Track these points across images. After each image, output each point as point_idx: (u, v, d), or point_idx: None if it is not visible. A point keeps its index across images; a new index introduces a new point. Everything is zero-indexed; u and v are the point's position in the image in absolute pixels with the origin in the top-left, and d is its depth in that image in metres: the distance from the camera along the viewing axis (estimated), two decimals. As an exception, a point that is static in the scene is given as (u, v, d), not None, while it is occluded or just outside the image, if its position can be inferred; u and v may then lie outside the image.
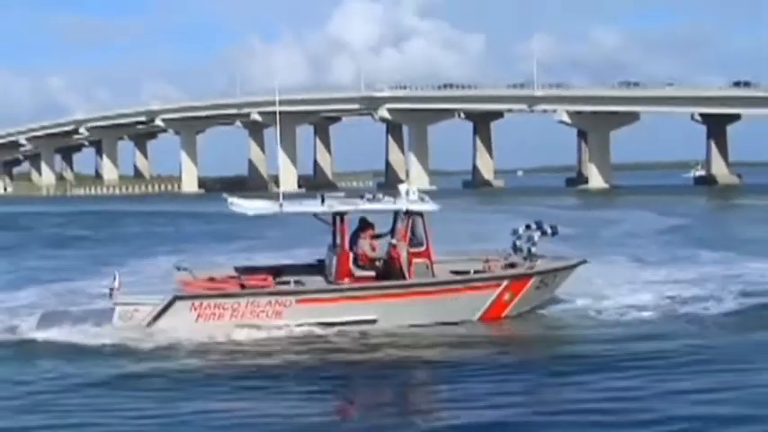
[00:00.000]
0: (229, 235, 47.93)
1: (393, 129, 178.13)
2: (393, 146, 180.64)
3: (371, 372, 17.56)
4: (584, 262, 23.69)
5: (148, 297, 20.95)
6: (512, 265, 22.79)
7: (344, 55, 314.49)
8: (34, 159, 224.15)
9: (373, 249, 21.84)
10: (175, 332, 19.74)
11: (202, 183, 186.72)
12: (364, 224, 22.08)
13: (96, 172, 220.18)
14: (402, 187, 22.41)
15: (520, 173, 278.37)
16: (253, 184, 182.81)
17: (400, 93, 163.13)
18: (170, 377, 16.83)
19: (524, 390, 15.63)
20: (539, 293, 22.65)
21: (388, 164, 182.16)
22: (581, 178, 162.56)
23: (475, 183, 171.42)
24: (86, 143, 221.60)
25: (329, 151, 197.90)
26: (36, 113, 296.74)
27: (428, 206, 21.97)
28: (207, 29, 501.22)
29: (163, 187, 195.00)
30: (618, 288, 24.97)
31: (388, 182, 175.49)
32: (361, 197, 22.54)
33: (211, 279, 21.83)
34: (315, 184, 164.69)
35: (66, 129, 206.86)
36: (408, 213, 21.65)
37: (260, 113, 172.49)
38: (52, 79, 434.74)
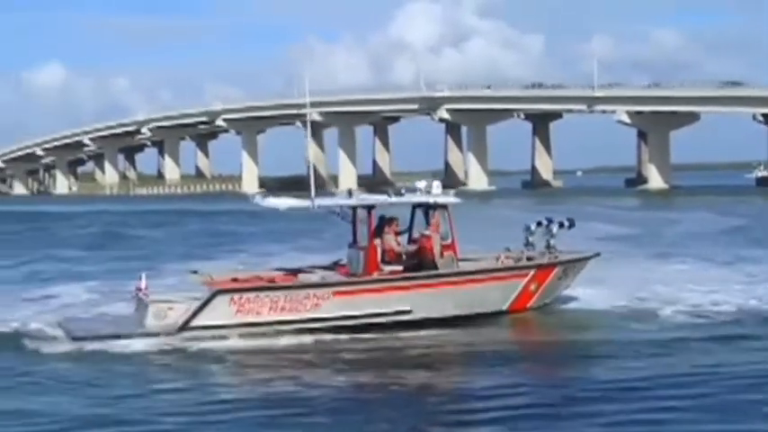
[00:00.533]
0: (285, 234, 48.52)
1: (452, 129, 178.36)
2: (452, 146, 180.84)
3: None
4: (598, 255, 24.26)
5: (178, 295, 21.27)
6: (528, 260, 23.23)
7: (404, 55, 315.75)
8: (98, 159, 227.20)
9: (398, 244, 22.25)
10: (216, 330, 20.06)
11: (263, 182, 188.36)
12: (388, 219, 22.38)
13: (159, 171, 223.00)
14: (420, 183, 22.81)
15: (579, 173, 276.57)
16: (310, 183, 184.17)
17: (459, 93, 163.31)
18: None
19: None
20: (559, 284, 23.30)
21: (447, 164, 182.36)
22: (640, 179, 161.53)
23: (534, 183, 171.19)
24: (149, 143, 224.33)
25: (388, 151, 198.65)
26: (100, 114, 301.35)
27: (453, 199, 22.57)
28: (268, 29, 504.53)
29: (224, 187, 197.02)
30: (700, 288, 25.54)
31: (447, 182, 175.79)
32: (383, 193, 23.10)
33: (235, 280, 22.13)
34: (374, 183, 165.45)
35: (130, 129, 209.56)
36: (434, 206, 22.15)
37: (320, 114, 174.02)
38: (116, 80, 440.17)
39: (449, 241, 22.06)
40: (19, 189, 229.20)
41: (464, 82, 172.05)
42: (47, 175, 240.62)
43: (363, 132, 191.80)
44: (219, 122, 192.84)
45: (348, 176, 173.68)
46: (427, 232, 22.00)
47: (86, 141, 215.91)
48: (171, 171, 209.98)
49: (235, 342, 19.95)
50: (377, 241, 21.77)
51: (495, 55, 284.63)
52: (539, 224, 23.82)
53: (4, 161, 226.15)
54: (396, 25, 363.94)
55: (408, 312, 21.28)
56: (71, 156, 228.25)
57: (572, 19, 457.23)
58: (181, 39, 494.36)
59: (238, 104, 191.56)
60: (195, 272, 22.98)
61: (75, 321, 21.54)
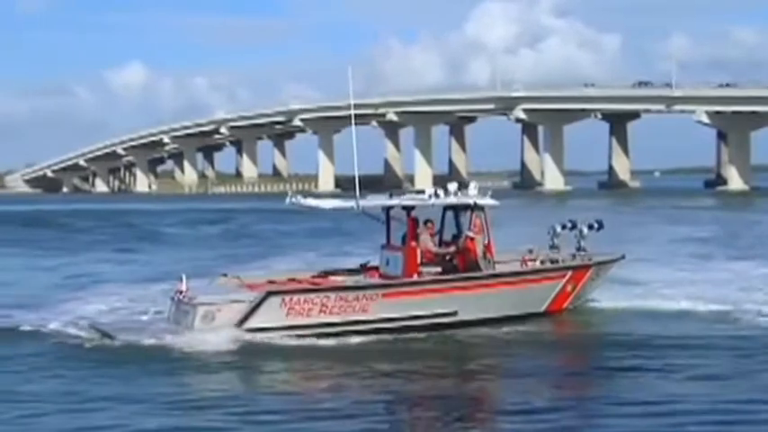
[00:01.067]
0: (354, 234, 48.83)
1: (528, 129, 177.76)
2: (528, 146, 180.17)
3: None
4: (623, 257, 24.33)
5: (217, 298, 20.63)
6: (554, 262, 23.31)
7: (481, 55, 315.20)
8: (177, 158, 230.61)
9: (435, 245, 22.27)
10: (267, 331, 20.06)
11: (339, 181, 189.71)
12: (425, 221, 22.38)
13: (237, 170, 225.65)
14: (451, 186, 22.71)
15: (657, 173, 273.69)
16: (388, 182, 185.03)
17: (536, 93, 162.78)
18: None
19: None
20: (592, 285, 23.49)
21: (523, 164, 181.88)
22: (720, 180, 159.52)
23: (611, 183, 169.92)
24: (227, 143, 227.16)
25: (464, 151, 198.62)
26: (180, 113, 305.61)
27: (491, 201, 22.50)
28: (345, 29, 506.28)
29: (300, 186, 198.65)
30: None
31: (524, 182, 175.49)
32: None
33: (271, 282, 22.13)
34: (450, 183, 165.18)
35: (208, 128, 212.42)
36: (473, 208, 22.08)
37: (396, 113, 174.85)
38: (195, 79, 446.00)
39: (486, 242, 22.10)
40: (101, 187, 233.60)
41: (540, 82, 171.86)
42: (127, 173, 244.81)
43: (440, 132, 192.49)
44: (296, 122, 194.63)
45: (424, 176, 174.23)
46: (471, 234, 21.91)
47: (166, 140, 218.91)
48: (248, 170, 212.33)
49: (287, 342, 20.02)
50: (414, 243, 21.74)
51: (572, 54, 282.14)
52: (563, 227, 23.94)
53: (86, 160, 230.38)
54: (472, 25, 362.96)
55: (454, 314, 21.39)
56: (151, 154, 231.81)
57: (649, 18, 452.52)
58: (261, 39, 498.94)
59: (315, 104, 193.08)
60: (225, 275, 22.89)
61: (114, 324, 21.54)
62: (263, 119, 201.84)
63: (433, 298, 21.34)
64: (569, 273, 22.90)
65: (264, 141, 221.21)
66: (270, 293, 20.37)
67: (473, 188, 22.49)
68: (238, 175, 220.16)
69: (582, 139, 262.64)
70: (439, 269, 21.85)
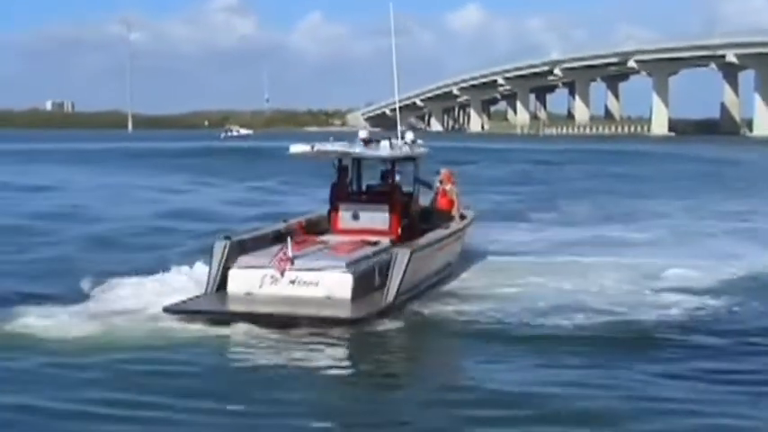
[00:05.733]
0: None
1: None
2: None
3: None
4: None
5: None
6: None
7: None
8: (510, 99, 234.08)
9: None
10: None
11: (673, 125, 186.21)
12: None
13: (568, 112, 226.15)
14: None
15: None
16: (724, 127, 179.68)
17: None
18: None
19: None
20: None
21: None
22: None
23: None
24: (560, 84, 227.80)
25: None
26: (513, 54, 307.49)
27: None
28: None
29: (632, 129, 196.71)
30: None
31: None
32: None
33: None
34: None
35: (541, 70, 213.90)
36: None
37: (736, 55, 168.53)
38: (531, 20, 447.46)
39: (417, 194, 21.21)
40: (435, 126, 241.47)
41: None
42: (461, 113, 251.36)
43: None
44: (631, 64, 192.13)
45: (765, 122, 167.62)
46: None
47: (500, 81, 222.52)
48: (580, 112, 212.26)
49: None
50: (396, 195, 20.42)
51: None
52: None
53: (422, 99, 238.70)
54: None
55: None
56: (485, 95, 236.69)
57: None
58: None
59: (650, 46, 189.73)
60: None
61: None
62: (597, 60, 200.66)
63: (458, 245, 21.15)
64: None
65: (597, 83, 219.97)
66: (400, 252, 17.05)
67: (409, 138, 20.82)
68: (570, 116, 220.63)
69: None
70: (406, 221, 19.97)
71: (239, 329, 15.26)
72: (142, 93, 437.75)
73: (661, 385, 12.87)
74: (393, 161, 20.22)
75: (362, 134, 19.96)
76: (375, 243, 18.45)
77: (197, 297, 16.66)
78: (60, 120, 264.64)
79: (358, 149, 19.47)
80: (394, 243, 18.50)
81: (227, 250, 17.01)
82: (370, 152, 19.63)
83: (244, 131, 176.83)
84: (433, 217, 20.95)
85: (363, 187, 21.01)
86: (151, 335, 14.92)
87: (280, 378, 13.06)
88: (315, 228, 20.23)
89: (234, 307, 16.25)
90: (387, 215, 19.51)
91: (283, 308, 15.85)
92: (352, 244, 18.20)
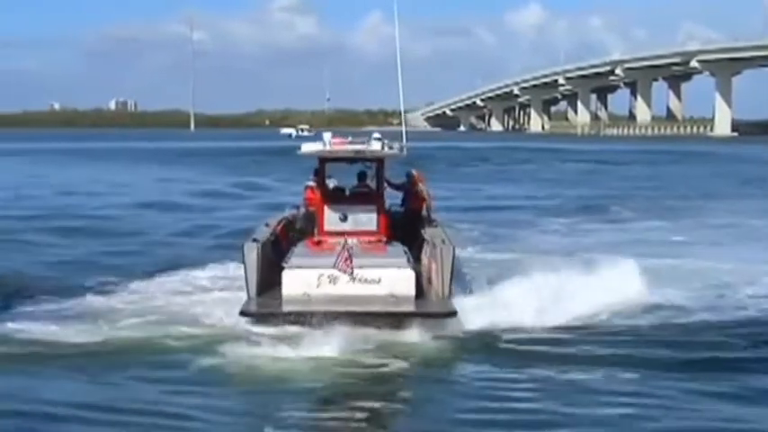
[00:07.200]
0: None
1: None
2: None
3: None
4: None
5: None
6: None
7: None
8: (571, 99, 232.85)
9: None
10: None
11: (736, 126, 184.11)
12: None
13: (630, 112, 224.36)
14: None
15: None
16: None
17: None
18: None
19: None
20: None
21: None
22: None
23: None
24: (621, 84, 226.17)
25: None
26: (574, 54, 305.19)
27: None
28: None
29: (694, 129, 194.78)
30: None
31: None
32: None
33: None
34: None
35: (603, 69, 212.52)
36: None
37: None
38: (591, 19, 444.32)
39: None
40: (495, 126, 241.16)
41: None
42: (522, 113, 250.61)
43: None
44: (694, 64, 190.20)
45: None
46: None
47: (561, 81, 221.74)
48: (642, 112, 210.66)
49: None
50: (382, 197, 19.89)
51: None
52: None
53: (482, 99, 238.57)
54: None
55: None
56: (545, 95, 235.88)
57: None
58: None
59: (713, 45, 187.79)
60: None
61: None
62: (660, 60, 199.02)
63: None
64: None
65: (659, 83, 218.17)
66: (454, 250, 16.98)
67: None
68: (631, 116, 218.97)
69: None
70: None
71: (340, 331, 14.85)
72: (204, 92, 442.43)
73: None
74: (381, 160, 19.26)
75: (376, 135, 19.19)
76: (387, 242, 18.50)
77: (256, 299, 16.38)
78: (124, 119, 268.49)
79: (374, 147, 18.53)
80: (389, 242, 18.55)
81: (259, 252, 16.75)
82: (389, 151, 18.75)
83: (306, 131, 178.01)
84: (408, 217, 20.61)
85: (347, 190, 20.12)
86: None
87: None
88: (293, 228, 20.10)
89: (317, 307, 15.69)
90: (374, 216, 18.97)
91: (367, 306, 15.73)
92: (376, 242, 18.33)
